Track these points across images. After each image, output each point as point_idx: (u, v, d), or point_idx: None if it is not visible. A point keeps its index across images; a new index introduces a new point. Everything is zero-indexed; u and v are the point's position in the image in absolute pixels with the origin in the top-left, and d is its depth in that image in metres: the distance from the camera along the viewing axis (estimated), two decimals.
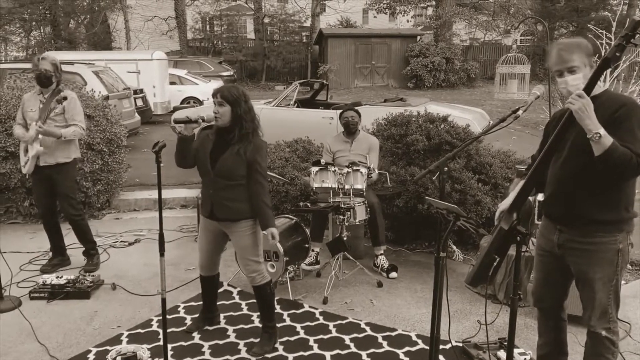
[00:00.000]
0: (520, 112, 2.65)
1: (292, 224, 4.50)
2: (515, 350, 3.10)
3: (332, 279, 4.28)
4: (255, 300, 3.55)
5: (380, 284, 4.43)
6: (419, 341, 3.54)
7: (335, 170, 4.37)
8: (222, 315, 3.86)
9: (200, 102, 14.25)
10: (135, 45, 26.41)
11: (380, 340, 3.56)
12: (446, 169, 2.80)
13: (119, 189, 6.79)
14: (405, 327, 3.74)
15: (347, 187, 4.35)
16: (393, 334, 3.65)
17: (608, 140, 2.20)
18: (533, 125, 12.30)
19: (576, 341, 3.26)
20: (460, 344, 3.43)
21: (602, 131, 2.18)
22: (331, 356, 3.37)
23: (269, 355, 3.37)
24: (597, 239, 2.47)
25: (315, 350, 3.44)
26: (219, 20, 27.97)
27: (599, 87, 2.48)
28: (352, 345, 3.50)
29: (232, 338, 3.59)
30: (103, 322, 3.81)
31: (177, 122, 3.20)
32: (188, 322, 3.79)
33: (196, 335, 3.61)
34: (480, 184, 4.87)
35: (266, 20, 26.62)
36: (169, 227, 5.67)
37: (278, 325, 3.62)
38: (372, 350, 3.43)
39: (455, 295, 4.18)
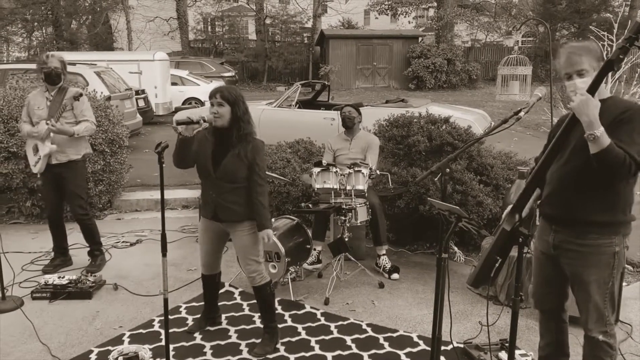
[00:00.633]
0: (522, 113, 2.66)
1: (293, 225, 4.50)
2: (517, 352, 3.11)
3: (333, 280, 4.28)
4: (256, 301, 3.56)
5: (381, 285, 4.43)
6: (421, 342, 3.54)
7: (337, 171, 4.37)
8: (223, 316, 3.86)
9: (202, 103, 14.26)
10: (137, 46, 26.47)
11: (381, 341, 3.56)
12: (448, 170, 2.80)
13: (120, 190, 6.79)
14: (406, 328, 3.74)
15: (348, 188, 4.35)
16: (394, 334, 3.65)
17: (605, 140, 2.19)
18: (535, 127, 12.30)
19: (578, 342, 3.25)
20: (462, 345, 3.43)
21: (598, 132, 2.17)
22: (332, 357, 3.37)
23: (271, 356, 3.37)
24: (593, 241, 2.47)
25: (317, 351, 3.44)
26: (221, 21, 28.01)
27: (605, 92, 2.49)
28: (353, 346, 3.50)
29: (234, 339, 3.59)
30: (105, 322, 3.82)
31: (178, 123, 3.19)
32: (189, 322, 3.80)
33: (198, 336, 3.61)
34: (482, 185, 4.88)
35: (268, 21, 26.65)
36: (171, 228, 5.67)
37: (279, 325, 3.62)
38: (373, 351, 3.44)
39: (456, 297, 4.19)
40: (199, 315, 3.80)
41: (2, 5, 22.77)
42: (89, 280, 4.30)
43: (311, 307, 4.05)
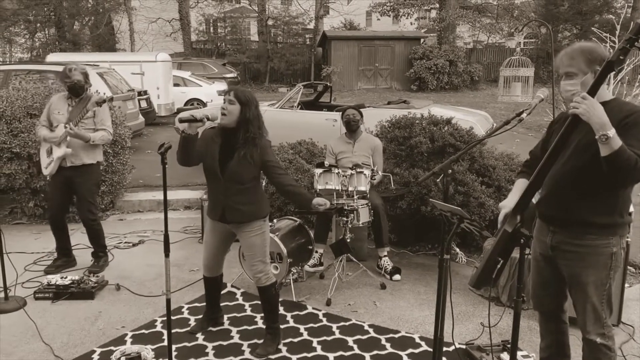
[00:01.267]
0: (524, 115, 2.66)
1: (295, 226, 4.51)
2: (519, 353, 3.11)
3: (335, 281, 4.29)
4: (259, 302, 3.56)
5: (383, 286, 4.44)
6: (422, 343, 3.54)
7: (339, 172, 4.38)
8: (225, 316, 3.87)
9: (204, 104, 14.28)
10: (140, 47, 26.49)
11: (383, 342, 3.56)
12: (450, 171, 2.80)
13: (123, 190, 6.81)
14: (408, 329, 3.75)
15: (350, 189, 4.36)
16: (396, 335, 3.65)
17: (617, 142, 2.18)
18: (537, 128, 12.29)
19: (579, 343, 3.25)
20: (464, 346, 3.43)
21: (611, 132, 2.16)
22: (334, 358, 3.38)
23: (273, 357, 3.38)
24: (590, 241, 2.47)
25: (319, 351, 3.45)
26: (223, 22, 28.03)
27: (607, 93, 2.49)
28: (355, 347, 3.50)
29: (236, 339, 3.60)
30: (107, 323, 3.83)
31: (181, 120, 3.20)
32: (192, 323, 3.80)
33: (200, 336, 3.62)
34: (484, 187, 4.88)
35: (270, 22, 26.66)
36: (173, 228, 5.67)
37: (281, 326, 3.63)
38: (375, 352, 3.44)
39: (458, 298, 4.19)
40: (201, 316, 3.81)
41: (5, 6, 22.80)
42: (91, 281, 4.32)
43: (313, 308, 4.06)
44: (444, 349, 2.97)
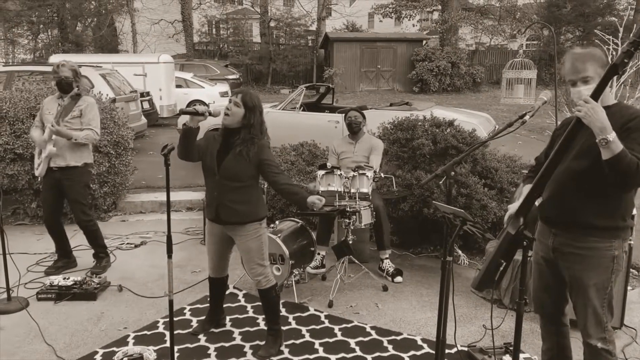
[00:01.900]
0: (527, 117, 2.66)
1: (297, 227, 4.51)
2: (521, 355, 3.11)
3: (337, 283, 4.29)
4: (260, 303, 3.56)
5: (385, 288, 4.43)
6: (425, 345, 3.54)
7: (341, 174, 4.38)
8: (228, 318, 3.87)
9: (206, 105, 14.27)
10: (142, 48, 26.52)
11: (385, 344, 3.56)
12: (453, 173, 2.80)
13: (125, 192, 6.82)
14: (410, 331, 3.74)
15: (353, 190, 4.36)
16: (398, 337, 3.65)
17: (618, 145, 2.18)
18: (539, 131, 12.27)
19: (580, 345, 3.25)
20: (466, 349, 3.43)
21: (611, 136, 2.16)
22: (336, 359, 3.37)
23: (275, 358, 3.38)
24: (592, 244, 2.46)
25: (321, 353, 3.45)
26: (225, 24, 28.05)
27: (610, 97, 2.49)
28: (357, 349, 3.50)
29: (238, 340, 3.60)
30: (110, 324, 3.83)
31: (184, 112, 3.22)
32: (194, 324, 3.81)
33: (202, 338, 3.62)
34: (486, 189, 4.87)
35: (272, 24, 26.69)
36: (175, 230, 5.66)
37: (283, 328, 3.63)
38: (377, 354, 3.44)
39: (460, 300, 4.18)
40: (203, 317, 3.81)
41: (8, 7, 22.87)
42: (93, 282, 4.32)
43: (315, 310, 4.06)
44: (446, 351, 2.95)
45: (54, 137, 4.38)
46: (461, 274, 4.72)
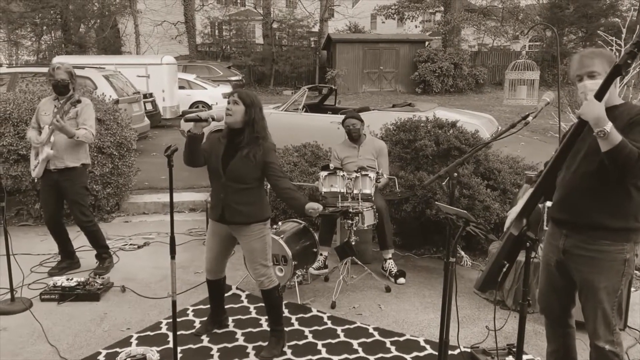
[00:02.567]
0: (530, 118, 2.66)
1: (300, 228, 4.51)
2: (524, 357, 3.10)
3: (340, 284, 4.29)
4: (263, 304, 3.57)
5: (388, 289, 4.43)
6: (427, 346, 3.53)
7: (343, 174, 4.38)
8: (230, 319, 3.88)
9: (209, 107, 14.31)
10: (145, 49, 26.60)
11: (388, 345, 3.56)
12: (455, 174, 2.80)
13: (128, 193, 6.83)
14: (413, 332, 3.74)
15: (355, 191, 4.36)
16: (401, 339, 3.65)
17: (616, 137, 2.17)
18: (542, 132, 12.26)
19: (585, 347, 3.24)
20: (469, 350, 3.43)
21: (607, 127, 2.15)
22: None
23: (277, 359, 3.38)
24: (604, 247, 2.45)
25: (324, 354, 3.45)
26: (228, 25, 28.09)
27: (617, 98, 2.48)
28: (360, 350, 3.50)
29: (241, 341, 3.60)
30: (113, 324, 3.84)
31: (187, 120, 3.23)
32: (197, 325, 3.81)
33: (205, 338, 3.62)
34: (489, 190, 4.87)
35: (275, 25, 26.72)
36: (178, 231, 5.67)
37: (286, 329, 3.63)
38: (380, 355, 3.44)
39: (463, 301, 4.18)
40: (206, 318, 3.82)
41: (11, 9, 22.96)
42: (96, 283, 4.33)
43: (318, 311, 4.06)
44: (449, 352, 2.96)
45: (52, 139, 4.39)
46: (464, 275, 4.71)
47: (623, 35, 7.44)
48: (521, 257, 2.47)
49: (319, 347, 3.53)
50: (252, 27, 29.46)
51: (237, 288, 4.42)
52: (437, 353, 2.99)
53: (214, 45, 27.69)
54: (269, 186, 4.25)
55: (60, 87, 4.47)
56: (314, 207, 3.25)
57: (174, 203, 2.97)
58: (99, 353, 3.44)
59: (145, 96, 11.43)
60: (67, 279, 4.34)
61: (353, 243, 4.34)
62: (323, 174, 4.46)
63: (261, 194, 3.41)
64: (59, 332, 3.72)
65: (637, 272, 4.63)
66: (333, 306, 4.12)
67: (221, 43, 27.66)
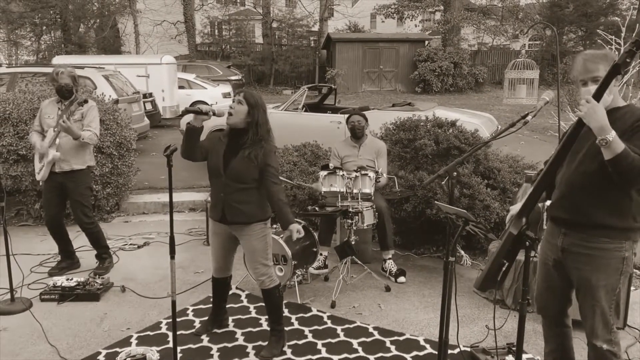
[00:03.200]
0: (529, 117, 2.66)
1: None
2: (524, 356, 3.10)
3: (340, 283, 4.29)
4: (263, 304, 3.57)
5: (388, 289, 4.43)
6: (427, 346, 3.54)
7: (343, 174, 4.38)
8: (230, 319, 3.88)
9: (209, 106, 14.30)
10: (145, 49, 26.59)
11: (388, 344, 3.56)
12: (455, 173, 2.80)
13: (128, 192, 6.83)
14: (413, 332, 3.74)
15: (355, 191, 4.36)
16: (401, 338, 3.65)
17: (619, 146, 2.17)
18: (542, 131, 12.27)
19: (584, 346, 3.24)
20: (469, 349, 3.43)
21: (610, 137, 2.16)
22: None
23: (277, 359, 3.38)
24: (603, 245, 2.45)
25: (324, 354, 3.45)
26: (228, 25, 28.08)
27: (621, 99, 2.48)
28: (360, 349, 3.50)
29: (241, 341, 3.61)
30: (113, 324, 3.84)
31: (188, 111, 3.24)
32: (197, 324, 3.81)
33: (205, 338, 3.63)
34: (489, 189, 4.87)
35: (274, 24, 26.71)
36: (178, 231, 5.68)
37: (286, 328, 3.64)
38: (380, 354, 3.44)
39: (463, 300, 4.18)
40: (206, 318, 3.82)
41: (11, 9, 22.95)
42: (96, 283, 4.33)
43: (318, 310, 4.06)
44: (449, 351, 2.96)
45: (57, 141, 4.40)
46: (464, 275, 4.71)
47: (623, 34, 7.44)
48: (521, 256, 2.46)
49: (319, 346, 3.54)
50: (252, 26, 29.47)
51: (237, 288, 4.42)
52: (436, 352, 2.99)
53: (214, 45, 27.69)
54: None
55: (64, 92, 4.48)
56: (298, 229, 3.28)
57: (173, 203, 2.97)
58: (99, 353, 3.44)
59: (144, 96, 11.42)
60: (67, 279, 4.34)
61: (353, 243, 4.34)
62: (323, 173, 4.46)
63: (261, 194, 3.41)
64: (59, 332, 3.72)
65: (637, 270, 4.63)
66: (333, 306, 4.12)
67: (221, 43, 27.66)
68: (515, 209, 2.59)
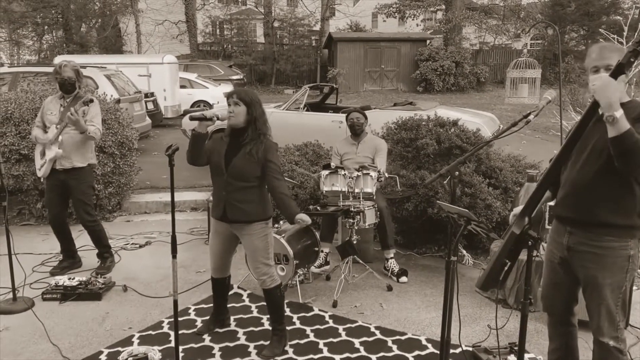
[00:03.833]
0: (531, 116, 2.65)
1: (302, 228, 4.50)
2: (526, 355, 3.10)
3: (341, 283, 4.29)
4: (265, 303, 3.57)
5: (389, 288, 4.43)
6: (429, 345, 3.53)
7: (345, 173, 4.38)
8: (232, 318, 3.88)
9: (210, 106, 14.32)
10: (146, 49, 26.61)
11: (390, 344, 3.56)
12: (457, 173, 2.80)
13: (130, 192, 6.84)
14: (415, 331, 3.74)
15: (357, 190, 4.36)
16: (403, 337, 3.64)
17: (624, 124, 2.14)
18: (544, 130, 12.25)
19: (587, 346, 3.23)
20: (471, 349, 3.42)
21: (617, 114, 2.12)
22: (341, 359, 3.37)
23: (279, 358, 3.38)
24: (608, 243, 2.45)
25: (325, 353, 3.45)
26: (229, 24, 28.09)
27: (625, 95, 2.47)
28: (361, 348, 3.50)
29: (242, 340, 3.61)
30: (114, 324, 3.84)
31: (192, 118, 3.24)
32: (198, 324, 3.81)
33: (206, 338, 3.63)
34: (491, 188, 4.87)
35: (276, 24, 26.71)
36: (179, 230, 5.69)
37: (288, 328, 3.63)
38: (381, 354, 3.43)
39: (465, 300, 4.18)
40: (207, 317, 3.82)
41: (13, 8, 22.97)
42: (98, 282, 4.33)
43: (319, 310, 4.06)
44: (451, 351, 2.95)
45: (60, 138, 4.39)
46: (465, 274, 4.71)
47: (625, 33, 7.42)
48: (523, 255, 2.46)
49: (321, 346, 3.53)
50: (254, 26, 29.47)
51: (238, 287, 4.42)
52: (438, 352, 2.99)
53: (215, 45, 27.69)
54: None
55: (67, 86, 4.47)
56: (303, 218, 3.27)
57: (175, 202, 2.97)
58: (101, 352, 3.44)
59: (146, 95, 11.43)
60: (69, 279, 4.34)
61: (354, 242, 4.34)
62: (324, 172, 4.46)
63: (263, 192, 3.41)
64: (61, 331, 3.72)
65: (639, 270, 4.62)
66: (334, 305, 4.12)
67: (222, 42, 27.66)
68: (518, 208, 2.58)
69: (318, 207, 4.57)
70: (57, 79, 4.48)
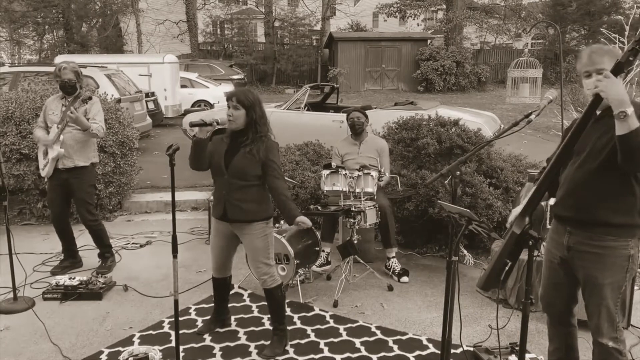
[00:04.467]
0: (532, 116, 2.65)
1: (302, 227, 4.49)
2: (527, 355, 3.09)
3: (342, 282, 4.28)
4: (266, 303, 3.56)
5: (390, 288, 4.43)
6: (430, 345, 3.53)
7: (346, 173, 4.38)
8: (233, 318, 3.87)
9: (211, 105, 14.32)
10: (147, 48, 26.62)
11: (390, 344, 3.56)
12: (458, 172, 2.79)
13: (130, 192, 6.84)
14: (416, 331, 3.73)
15: (357, 190, 4.35)
16: (404, 337, 3.64)
17: (635, 121, 2.13)
18: (545, 130, 12.24)
19: (588, 346, 3.23)
20: (472, 349, 3.42)
21: (629, 110, 2.11)
22: (341, 359, 3.37)
23: (280, 358, 3.38)
24: (608, 243, 2.45)
25: (326, 353, 3.44)
26: (230, 24, 28.10)
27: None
28: (362, 348, 3.50)
29: (243, 340, 3.60)
30: (115, 323, 3.84)
31: (192, 125, 3.23)
32: (199, 324, 3.81)
33: (207, 337, 3.62)
34: (492, 188, 4.86)
35: (277, 23, 26.71)
36: (180, 230, 5.69)
37: (288, 327, 3.63)
38: (382, 354, 3.43)
39: (466, 300, 4.17)
40: (208, 317, 3.82)
41: (13, 8, 22.98)
42: (99, 282, 4.33)
43: (320, 310, 4.05)
44: (452, 351, 2.95)
45: (61, 138, 4.40)
46: (467, 274, 4.71)
47: (626, 33, 7.42)
48: (524, 255, 2.45)
49: (321, 345, 3.53)
50: (254, 25, 29.45)
51: (239, 287, 4.42)
52: (439, 352, 2.99)
53: (216, 44, 27.70)
54: None
55: (67, 88, 4.48)
56: (304, 221, 3.28)
57: (176, 202, 2.97)
58: (102, 352, 3.44)
59: (147, 95, 11.43)
60: (70, 278, 4.34)
61: (355, 242, 4.33)
62: (325, 172, 4.45)
63: (263, 192, 3.40)
64: (62, 331, 3.72)
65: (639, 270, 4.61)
66: (335, 305, 4.11)
67: (223, 42, 27.67)
68: (518, 209, 2.58)
69: (319, 207, 4.57)
70: (58, 81, 4.49)
